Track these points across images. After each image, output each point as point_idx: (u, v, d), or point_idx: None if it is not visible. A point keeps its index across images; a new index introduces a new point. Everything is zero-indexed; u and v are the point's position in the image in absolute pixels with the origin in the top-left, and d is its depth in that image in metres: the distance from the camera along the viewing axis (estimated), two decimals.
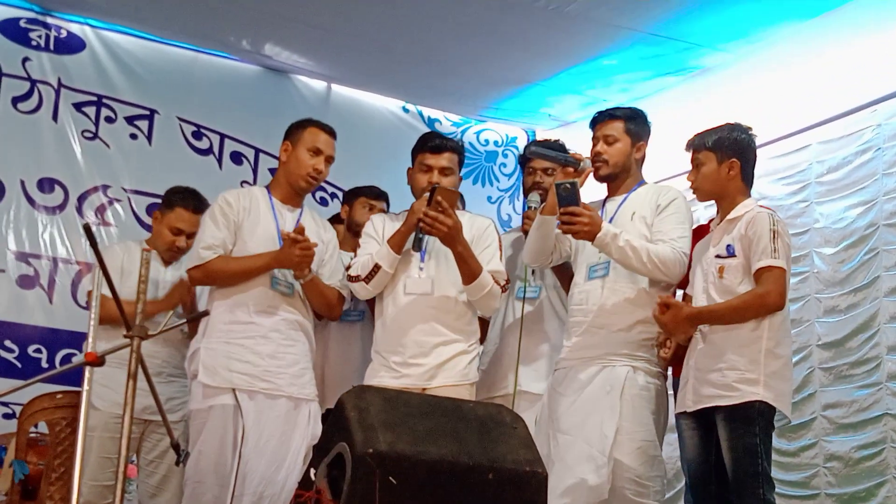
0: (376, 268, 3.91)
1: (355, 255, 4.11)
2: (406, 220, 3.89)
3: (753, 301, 3.52)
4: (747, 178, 3.77)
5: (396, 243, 3.89)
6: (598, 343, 3.82)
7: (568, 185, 3.69)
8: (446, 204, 3.74)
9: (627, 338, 3.80)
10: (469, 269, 3.86)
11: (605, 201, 4.05)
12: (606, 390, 3.74)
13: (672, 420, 3.97)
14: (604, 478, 3.63)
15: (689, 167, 3.87)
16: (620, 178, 4.02)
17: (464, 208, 4.27)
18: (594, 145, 4.02)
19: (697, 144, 3.77)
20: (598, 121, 4.06)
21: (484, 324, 4.41)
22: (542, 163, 4.38)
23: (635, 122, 4.04)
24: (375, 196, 4.82)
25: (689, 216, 3.94)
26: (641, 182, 4.05)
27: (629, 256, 3.68)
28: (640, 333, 3.82)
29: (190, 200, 4.57)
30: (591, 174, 3.99)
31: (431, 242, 3.92)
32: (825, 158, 5.56)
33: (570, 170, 3.88)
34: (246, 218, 4.03)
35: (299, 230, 3.86)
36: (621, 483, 3.66)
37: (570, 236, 3.96)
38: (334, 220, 4.87)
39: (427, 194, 3.82)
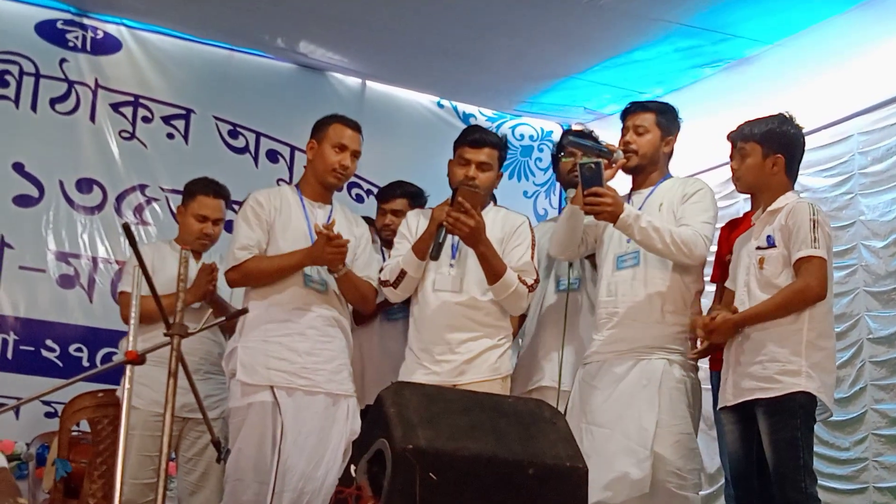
0: (402, 273, 3.92)
1: (388, 255, 4.12)
2: (428, 227, 3.89)
3: (793, 296, 3.48)
4: (791, 172, 3.71)
5: (420, 250, 3.89)
6: (633, 336, 3.80)
7: (592, 165, 3.66)
8: (468, 205, 3.73)
9: (662, 330, 3.78)
10: (492, 270, 3.84)
11: (630, 194, 4.02)
12: (643, 384, 3.73)
13: (707, 413, 3.95)
14: (646, 471, 3.62)
15: (727, 159, 3.83)
16: (647, 170, 4.00)
17: (495, 204, 4.24)
18: (623, 135, 4.01)
19: (745, 134, 3.71)
20: (630, 111, 4.05)
21: (520, 316, 4.39)
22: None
23: (666, 116, 4.02)
24: (384, 199, 4.77)
25: (714, 207, 3.92)
26: (668, 176, 4.03)
27: (652, 238, 3.66)
28: (674, 326, 3.80)
29: (210, 186, 4.62)
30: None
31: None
32: (868, 149, 5.49)
33: (604, 161, 3.86)
34: (277, 217, 4.04)
35: (330, 226, 3.87)
36: (663, 476, 3.64)
37: (597, 226, 3.96)
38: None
39: (450, 197, 3.83)
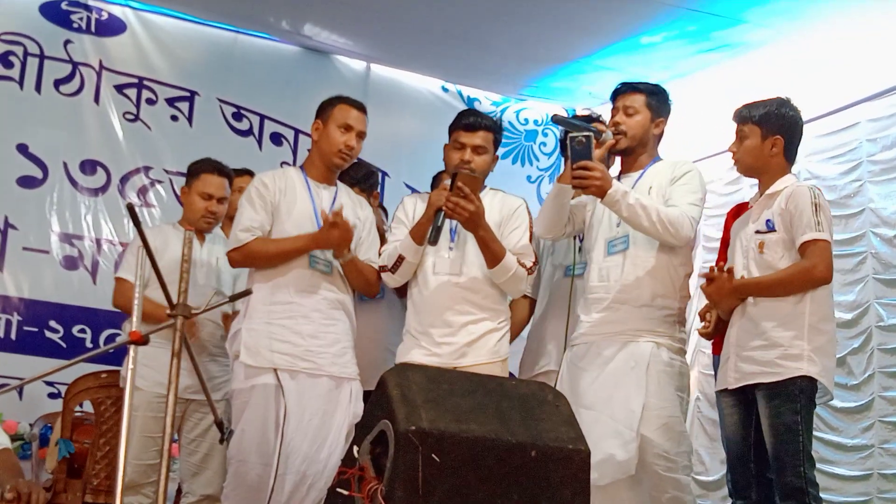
0: (400, 258, 3.92)
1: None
2: (425, 212, 3.88)
3: (800, 274, 3.47)
4: (790, 155, 3.72)
5: (418, 235, 3.88)
6: (621, 318, 3.78)
7: (582, 139, 3.63)
8: (467, 189, 3.71)
9: (650, 313, 3.77)
10: (491, 253, 3.83)
11: (619, 177, 3.99)
12: (631, 366, 3.72)
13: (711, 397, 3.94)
14: (632, 453, 3.61)
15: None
16: (637, 152, 3.95)
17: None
18: (613, 115, 3.97)
19: (744, 116, 3.72)
20: (620, 92, 4.00)
21: (531, 302, 4.39)
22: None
23: (657, 98, 3.98)
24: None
25: (703, 189, 3.87)
26: (657, 159, 3.99)
27: (638, 215, 3.63)
28: (662, 309, 3.78)
29: (213, 165, 4.62)
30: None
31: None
32: (877, 136, 5.48)
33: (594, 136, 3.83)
34: (282, 199, 4.04)
35: (338, 211, 3.86)
36: (651, 459, 3.64)
37: (584, 207, 3.95)
38: None
39: (447, 182, 3.82)
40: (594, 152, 3.66)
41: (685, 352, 3.89)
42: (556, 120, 4.09)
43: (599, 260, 3.91)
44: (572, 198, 3.90)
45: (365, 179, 4.65)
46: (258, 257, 3.99)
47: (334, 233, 3.85)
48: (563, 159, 4.72)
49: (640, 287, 3.78)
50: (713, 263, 4.61)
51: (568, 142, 3.68)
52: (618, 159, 4.07)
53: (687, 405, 3.88)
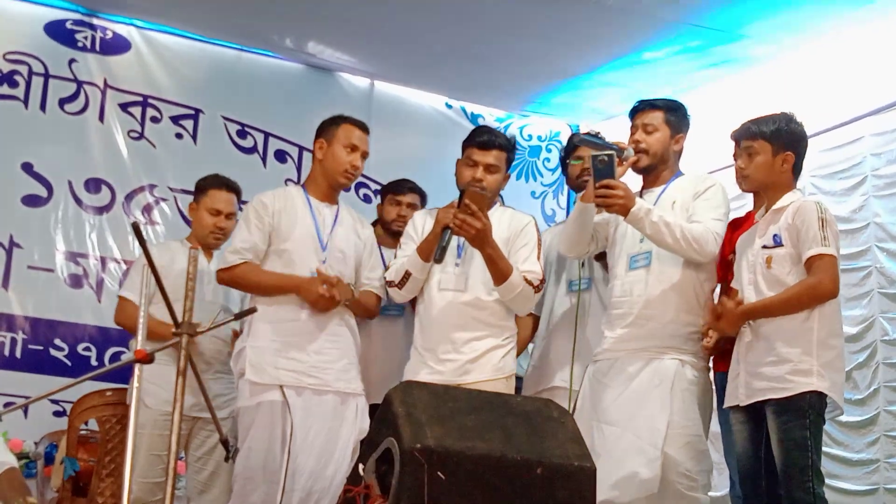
0: (407, 274, 3.93)
1: (395, 255, 4.13)
2: (433, 229, 3.88)
3: (806, 291, 3.47)
4: (797, 170, 3.72)
5: (425, 251, 3.90)
6: (646, 335, 3.79)
7: (605, 158, 3.64)
8: (475, 207, 3.72)
9: (676, 330, 3.77)
10: (498, 271, 3.84)
11: (640, 193, 4.00)
12: (655, 383, 3.71)
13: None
14: (656, 471, 3.61)
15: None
16: (658, 169, 3.97)
17: (502, 204, 4.24)
18: (633, 134, 3.98)
19: (752, 133, 3.70)
20: (639, 110, 4.02)
21: (535, 319, 4.39)
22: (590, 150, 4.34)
23: (675, 114, 3.99)
24: (400, 191, 4.79)
25: (726, 204, 3.89)
26: (679, 173, 4.01)
27: (662, 232, 3.64)
28: (687, 326, 3.79)
29: (222, 181, 4.66)
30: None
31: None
32: (881, 151, 5.47)
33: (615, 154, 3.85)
34: (282, 218, 4.04)
35: (330, 279, 3.91)
36: (673, 477, 3.63)
37: (608, 224, 3.96)
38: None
39: (456, 200, 3.84)
40: (616, 170, 3.67)
41: (709, 369, 3.89)
42: (580, 140, 4.12)
43: (622, 274, 3.91)
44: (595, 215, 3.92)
45: (420, 189, 4.76)
46: (244, 283, 4.04)
47: (320, 292, 3.87)
48: (565, 177, 4.73)
49: (665, 303, 3.79)
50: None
51: (591, 161, 3.68)
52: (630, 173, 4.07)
53: (709, 423, 3.88)
